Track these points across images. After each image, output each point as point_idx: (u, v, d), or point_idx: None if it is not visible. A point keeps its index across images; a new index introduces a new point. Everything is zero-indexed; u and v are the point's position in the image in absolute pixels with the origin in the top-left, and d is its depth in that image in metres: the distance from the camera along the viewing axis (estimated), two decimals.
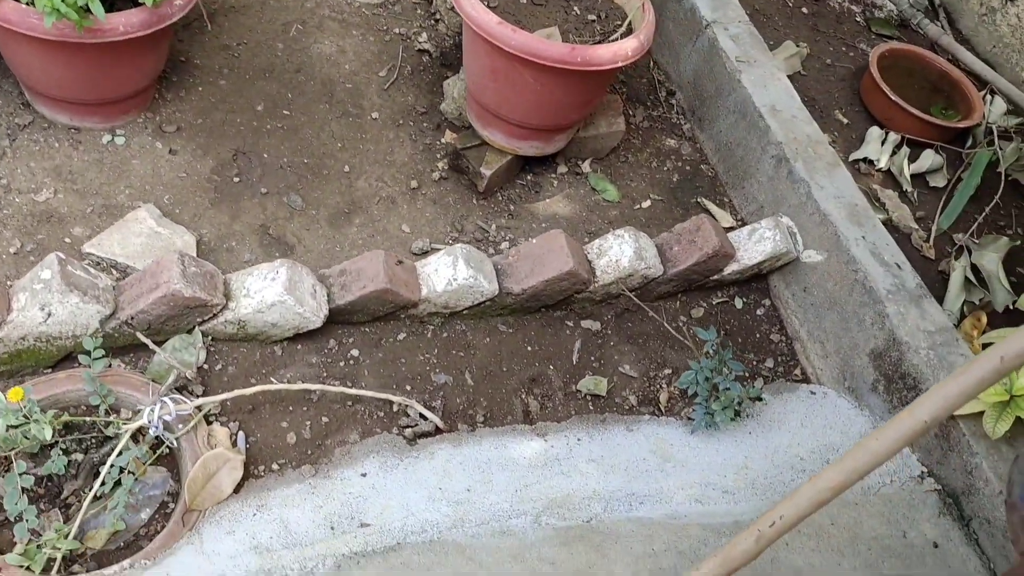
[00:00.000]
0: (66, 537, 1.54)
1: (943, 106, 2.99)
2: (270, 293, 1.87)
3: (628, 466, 1.92)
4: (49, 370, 1.81)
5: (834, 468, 1.16)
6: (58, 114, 2.14)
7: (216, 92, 2.40)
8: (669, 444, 2.00)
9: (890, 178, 2.75)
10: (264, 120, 2.39)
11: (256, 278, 1.90)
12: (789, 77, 2.73)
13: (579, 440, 1.98)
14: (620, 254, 2.17)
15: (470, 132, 2.47)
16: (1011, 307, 2.45)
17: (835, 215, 2.30)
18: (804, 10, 3.30)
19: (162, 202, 2.12)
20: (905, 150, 2.77)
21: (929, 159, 2.77)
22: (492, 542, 1.70)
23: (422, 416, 1.97)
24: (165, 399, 1.66)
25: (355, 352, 2.06)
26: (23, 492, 1.51)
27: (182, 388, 1.84)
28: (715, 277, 2.34)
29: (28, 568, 1.50)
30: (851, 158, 2.76)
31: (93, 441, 1.73)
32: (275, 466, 1.84)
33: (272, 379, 1.93)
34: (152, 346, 1.79)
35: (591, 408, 2.13)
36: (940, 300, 2.38)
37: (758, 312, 2.44)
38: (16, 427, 1.53)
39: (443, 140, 2.52)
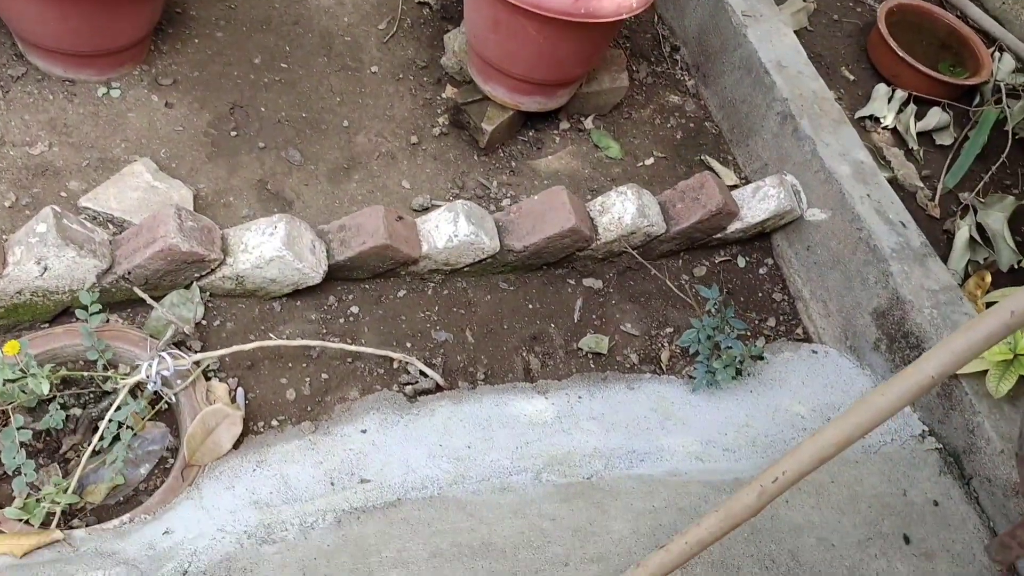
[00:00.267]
0: (65, 491, 1.54)
1: (951, 63, 2.95)
2: (268, 248, 1.85)
3: (629, 424, 1.91)
4: (46, 325, 1.80)
5: (838, 423, 1.15)
6: (52, 66, 2.10)
7: (213, 44, 2.36)
8: (670, 402, 1.99)
9: (896, 136, 2.72)
10: (262, 73, 2.35)
11: (254, 233, 1.88)
12: (795, 32, 2.69)
13: (580, 398, 1.97)
14: (623, 211, 2.15)
15: (471, 87, 2.43)
16: (1016, 266, 2.43)
17: (840, 173, 2.27)
18: None
19: (158, 156, 2.09)
20: (912, 107, 2.74)
21: (936, 117, 2.73)
22: (493, 498, 1.69)
23: (422, 373, 1.96)
24: (163, 354, 1.65)
25: (355, 309, 2.04)
26: (21, 446, 1.50)
27: (180, 344, 1.83)
28: (718, 235, 2.32)
29: (27, 522, 1.50)
30: (857, 115, 2.72)
31: (91, 396, 1.72)
32: (274, 422, 1.83)
33: (271, 335, 1.92)
34: (150, 301, 1.77)
35: (592, 366, 2.12)
36: (945, 259, 2.37)
37: (760, 271, 2.42)
38: (13, 381, 1.52)
39: (444, 95, 2.49)
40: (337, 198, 2.20)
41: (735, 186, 2.44)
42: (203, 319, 1.89)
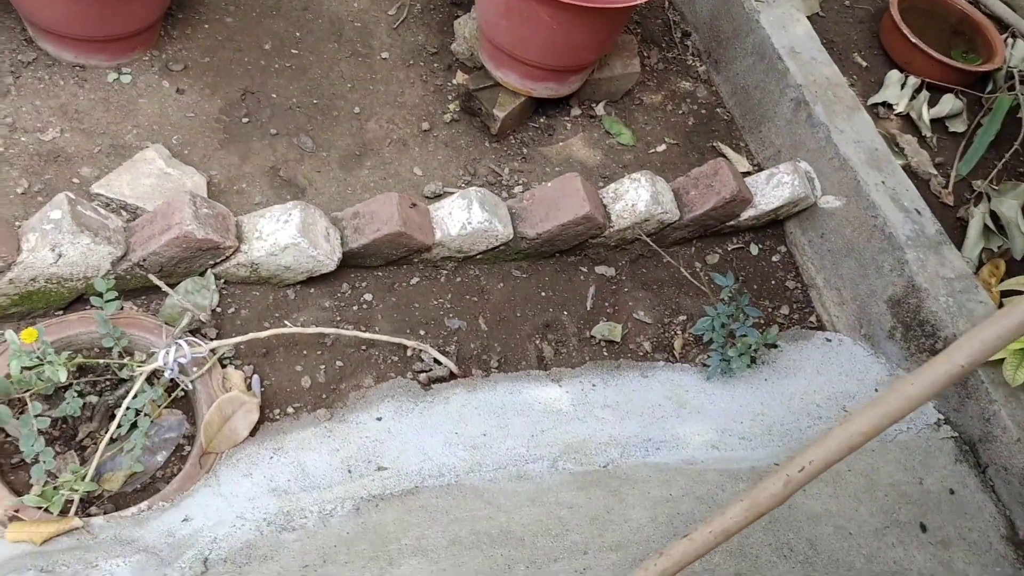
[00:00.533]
0: (83, 479, 1.54)
1: (964, 49, 2.93)
2: (283, 235, 1.84)
3: (644, 412, 1.91)
4: (60, 312, 1.79)
5: (866, 413, 1.14)
6: (63, 51, 2.09)
7: (223, 30, 2.34)
8: (684, 390, 1.99)
9: (909, 123, 2.70)
10: (272, 59, 2.34)
11: (269, 220, 1.87)
12: (807, 18, 2.67)
13: (594, 386, 1.96)
14: (636, 198, 2.14)
15: (482, 73, 2.41)
16: None
17: (855, 160, 2.26)
18: None
19: (170, 142, 2.08)
20: (925, 94, 2.72)
21: (949, 104, 2.72)
22: (510, 486, 1.69)
23: (436, 361, 1.95)
24: (180, 342, 1.64)
25: (368, 296, 2.03)
26: (39, 434, 1.50)
27: (196, 331, 1.82)
28: (731, 223, 2.31)
29: (46, 510, 1.50)
30: (870, 102, 2.70)
31: (107, 383, 1.71)
32: (290, 410, 1.82)
33: (286, 322, 1.91)
34: (165, 288, 1.77)
35: (605, 354, 2.12)
36: (958, 247, 2.36)
37: (774, 259, 2.41)
38: (30, 368, 1.51)
39: (454, 81, 2.47)
40: (349, 185, 2.19)
41: (748, 173, 2.43)
42: (217, 306, 1.89)
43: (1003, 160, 2.64)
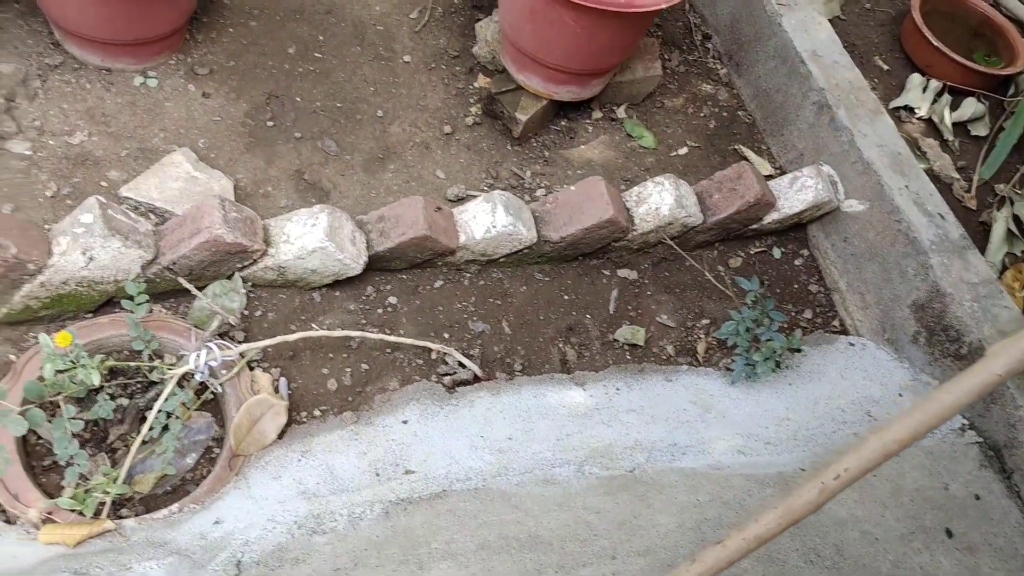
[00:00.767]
0: (115, 481, 1.55)
1: (986, 53, 2.92)
2: (311, 239, 1.85)
3: (669, 416, 1.91)
4: (90, 315, 1.80)
5: (902, 420, 1.14)
6: (89, 54, 2.10)
7: (247, 34, 2.35)
8: (709, 395, 1.99)
9: (931, 127, 2.70)
10: (296, 63, 2.35)
11: (296, 224, 1.88)
12: (828, 21, 2.66)
13: (618, 390, 1.97)
14: (660, 202, 2.14)
15: (504, 76, 2.42)
16: None
17: (878, 164, 2.26)
18: None
19: (197, 146, 2.09)
20: (947, 98, 2.72)
21: (971, 107, 2.71)
22: (537, 491, 1.69)
23: (460, 364, 1.96)
24: (211, 345, 1.65)
25: (393, 299, 2.04)
26: (72, 436, 1.51)
27: (224, 334, 1.83)
28: (754, 226, 2.31)
29: (80, 513, 1.51)
30: (891, 106, 2.70)
31: (138, 386, 1.73)
32: (317, 412, 1.83)
33: (313, 325, 1.92)
34: (195, 292, 1.78)
35: (628, 358, 2.12)
36: (981, 251, 2.35)
37: (796, 262, 2.41)
38: (64, 372, 1.52)
39: (476, 84, 2.48)
40: (373, 188, 2.19)
41: (770, 176, 2.43)
42: (245, 309, 1.90)
43: None
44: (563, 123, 2.49)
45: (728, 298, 2.25)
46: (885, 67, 2.84)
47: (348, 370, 1.91)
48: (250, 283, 1.91)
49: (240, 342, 1.82)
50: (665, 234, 2.18)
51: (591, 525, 1.65)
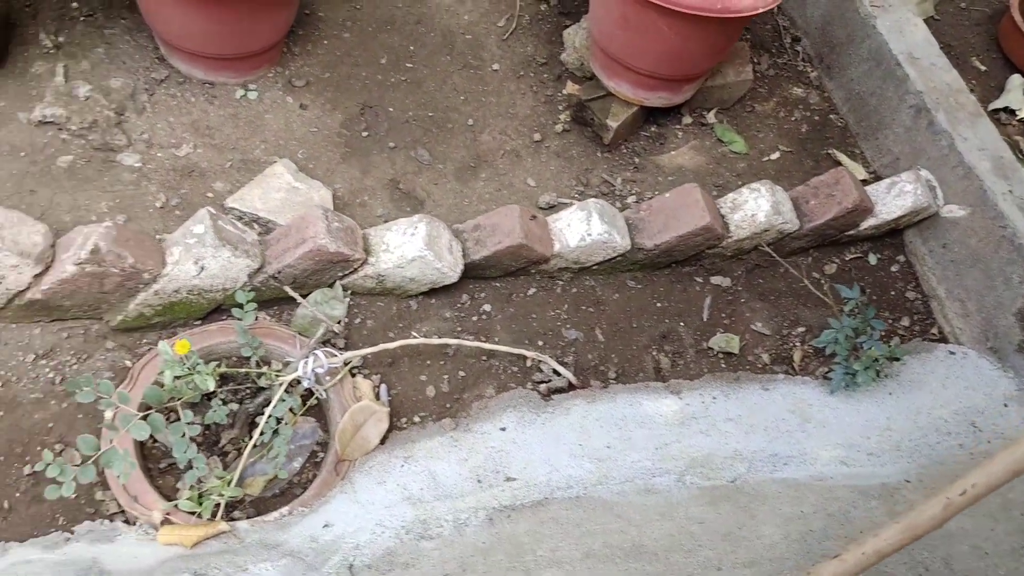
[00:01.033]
0: (229, 484, 1.59)
1: None
2: (410, 248, 1.87)
3: (768, 426, 1.89)
4: (198, 322, 1.86)
5: None
6: (193, 68, 2.17)
7: (341, 45, 2.39)
8: (808, 404, 1.96)
9: None
10: (388, 73, 2.38)
11: (395, 233, 1.91)
12: (923, 22, 2.60)
13: (714, 398, 1.95)
14: (756, 208, 2.12)
15: (594, 83, 2.42)
16: None
17: (980, 168, 2.20)
18: None
19: (296, 157, 2.14)
20: None
21: None
22: (638, 500, 1.69)
23: (555, 372, 1.97)
24: (318, 352, 1.69)
25: (487, 307, 2.06)
26: (190, 441, 1.56)
27: (326, 341, 1.87)
28: (850, 232, 2.27)
29: (198, 515, 1.56)
30: (990, 108, 2.63)
31: (247, 391, 1.77)
32: (416, 419, 1.86)
33: (412, 332, 1.95)
34: (301, 301, 1.82)
35: (723, 366, 2.10)
36: None
37: (892, 269, 2.36)
38: (180, 378, 1.57)
39: (565, 91, 2.48)
40: (466, 196, 2.22)
41: (865, 181, 2.38)
42: (345, 316, 1.93)
43: None
44: (653, 129, 2.48)
45: (824, 305, 2.21)
46: (982, 68, 2.76)
47: (445, 377, 1.93)
48: (349, 291, 1.94)
49: (341, 349, 1.86)
50: (761, 241, 2.16)
51: (694, 536, 1.64)
